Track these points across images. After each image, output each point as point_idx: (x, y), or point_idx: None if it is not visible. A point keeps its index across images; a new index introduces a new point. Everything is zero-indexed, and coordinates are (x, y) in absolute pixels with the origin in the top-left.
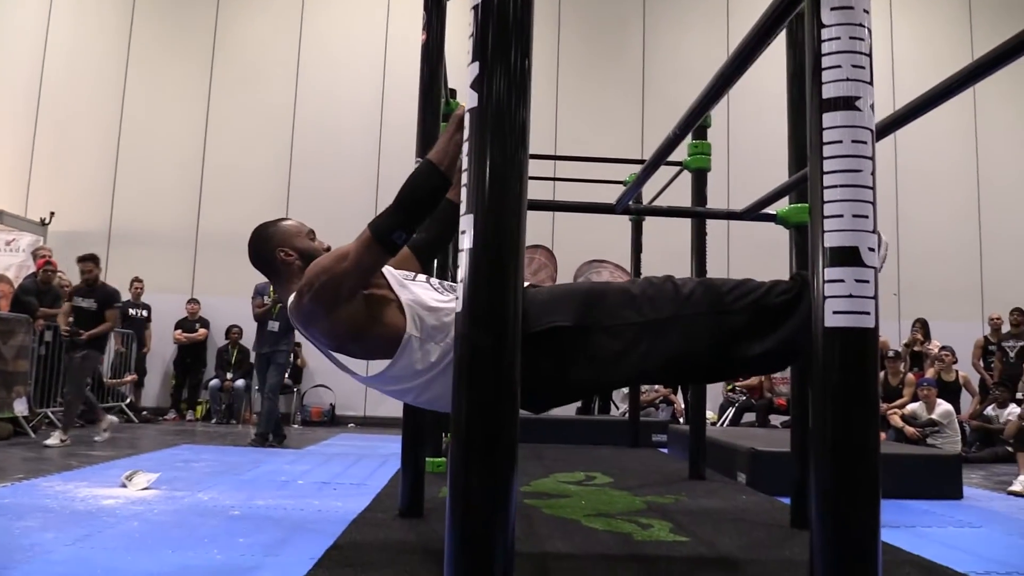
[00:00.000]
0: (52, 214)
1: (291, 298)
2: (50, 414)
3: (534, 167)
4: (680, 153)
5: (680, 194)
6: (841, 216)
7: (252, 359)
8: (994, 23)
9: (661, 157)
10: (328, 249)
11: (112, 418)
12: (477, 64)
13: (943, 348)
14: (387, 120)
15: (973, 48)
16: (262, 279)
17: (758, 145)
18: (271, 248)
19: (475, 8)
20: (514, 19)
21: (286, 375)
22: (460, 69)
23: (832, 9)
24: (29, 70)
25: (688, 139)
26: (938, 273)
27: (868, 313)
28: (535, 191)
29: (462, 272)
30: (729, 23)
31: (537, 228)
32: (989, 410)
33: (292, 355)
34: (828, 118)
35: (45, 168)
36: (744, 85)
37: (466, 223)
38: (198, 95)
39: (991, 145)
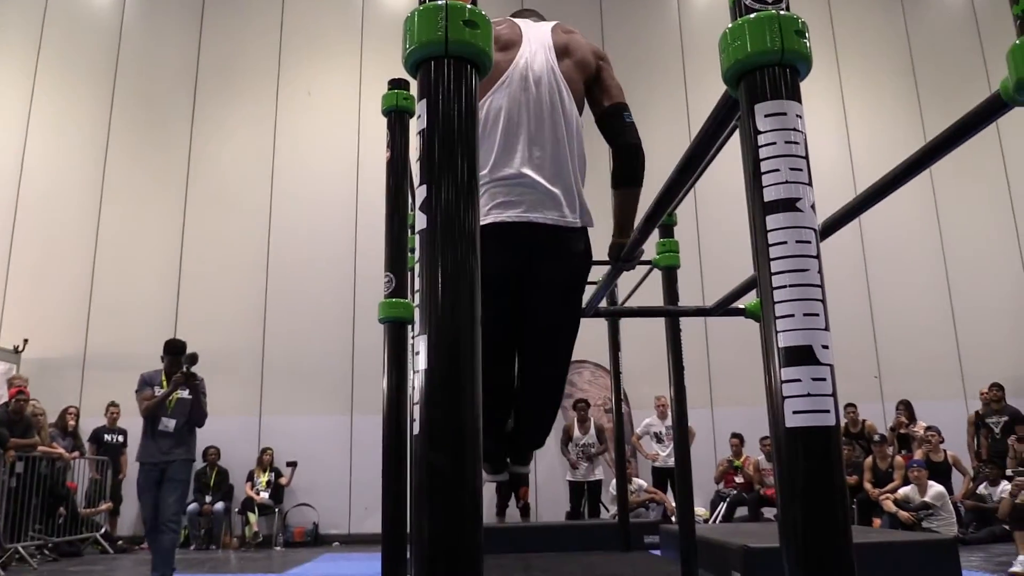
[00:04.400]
0: (26, 341)
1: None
2: (20, 549)
3: None
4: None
5: (655, 289)
6: (792, 316)
7: (137, 474)
8: (941, 104)
9: None
10: None
11: None
12: (425, 187)
13: (928, 428)
14: (362, 222)
15: (923, 120)
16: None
17: (727, 236)
18: None
19: (420, 133)
20: (459, 135)
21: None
22: None
23: (766, 116)
24: (4, 196)
25: (655, 237)
26: (916, 352)
27: (828, 411)
28: None
29: (418, 394)
30: (690, 120)
31: None
32: (982, 488)
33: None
34: (771, 220)
35: (19, 295)
36: (711, 176)
37: (420, 344)
38: (174, 214)
39: (951, 219)
